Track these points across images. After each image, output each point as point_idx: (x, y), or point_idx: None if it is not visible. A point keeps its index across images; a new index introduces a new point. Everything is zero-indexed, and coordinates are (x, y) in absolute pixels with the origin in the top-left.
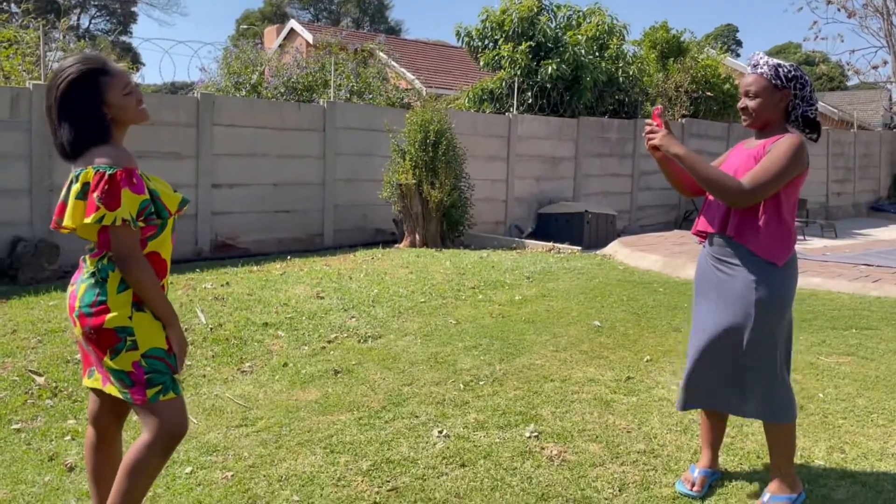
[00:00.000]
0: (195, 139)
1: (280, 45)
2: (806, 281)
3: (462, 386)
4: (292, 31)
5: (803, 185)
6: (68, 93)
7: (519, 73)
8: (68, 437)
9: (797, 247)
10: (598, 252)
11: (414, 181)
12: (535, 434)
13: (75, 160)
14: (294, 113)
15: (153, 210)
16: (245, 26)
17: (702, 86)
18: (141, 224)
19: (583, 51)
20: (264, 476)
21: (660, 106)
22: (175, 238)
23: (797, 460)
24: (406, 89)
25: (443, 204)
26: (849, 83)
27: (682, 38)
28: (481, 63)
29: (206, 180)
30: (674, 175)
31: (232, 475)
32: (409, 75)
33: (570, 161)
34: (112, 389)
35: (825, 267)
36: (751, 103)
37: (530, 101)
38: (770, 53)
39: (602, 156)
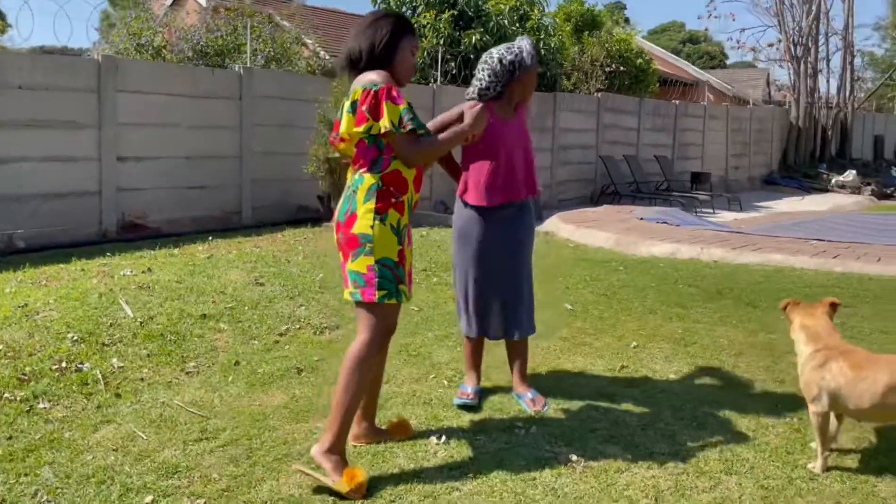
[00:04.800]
0: (96, 107)
1: (171, 5)
2: (767, 258)
3: (446, 382)
4: None
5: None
6: (382, 19)
7: (442, 42)
8: None
9: (714, 218)
10: (538, 229)
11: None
12: (543, 436)
13: (353, 72)
14: (208, 79)
15: (413, 115)
16: None
17: (616, 60)
18: (402, 130)
19: (506, 21)
20: (244, 502)
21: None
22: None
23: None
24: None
25: None
26: (727, 62)
27: (595, 12)
28: None
29: (109, 153)
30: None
31: (204, 503)
32: (309, 41)
33: None
34: (347, 295)
35: (780, 243)
36: None
37: (454, 71)
38: (655, 31)
39: None
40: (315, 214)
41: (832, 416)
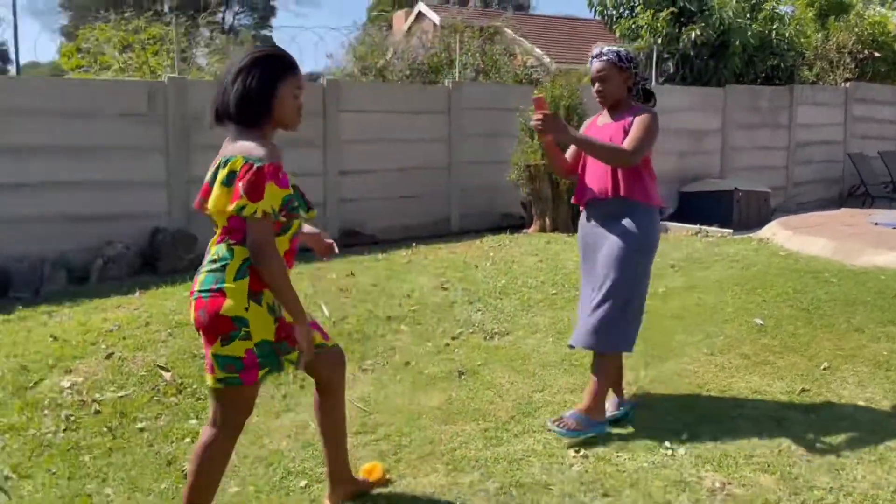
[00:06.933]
0: (322, 127)
1: (409, 29)
2: None
3: None
4: (420, 13)
5: None
6: (255, 64)
7: (659, 41)
8: (188, 440)
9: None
10: (752, 235)
11: (543, 162)
12: (691, 458)
13: (225, 125)
14: (419, 95)
15: (295, 205)
16: (375, 13)
17: (868, 45)
18: (282, 219)
19: (731, 13)
20: (382, 495)
21: (541, 95)
22: (297, 243)
23: None
24: (535, 66)
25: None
26: None
27: None
28: (617, 33)
29: (333, 168)
30: (553, 159)
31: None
32: (538, 51)
33: (717, 134)
34: (214, 381)
35: None
36: (603, 87)
37: (671, 70)
38: None
39: (752, 127)
40: (518, 221)
41: None
